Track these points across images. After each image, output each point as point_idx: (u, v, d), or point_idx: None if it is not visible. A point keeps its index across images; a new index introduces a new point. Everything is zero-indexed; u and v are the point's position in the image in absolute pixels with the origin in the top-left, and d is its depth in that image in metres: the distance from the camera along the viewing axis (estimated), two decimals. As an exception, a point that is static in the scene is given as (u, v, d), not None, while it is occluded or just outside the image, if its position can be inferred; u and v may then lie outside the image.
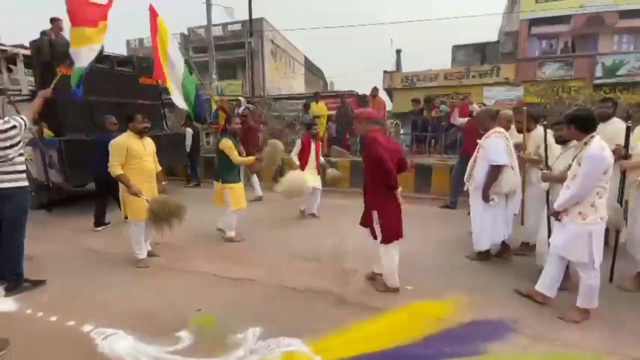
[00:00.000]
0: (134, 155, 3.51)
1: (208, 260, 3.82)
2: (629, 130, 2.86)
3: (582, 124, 2.46)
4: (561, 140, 3.00)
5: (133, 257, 3.72)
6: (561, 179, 2.69)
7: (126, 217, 3.71)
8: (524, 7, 14.91)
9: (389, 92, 17.25)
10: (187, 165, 7.88)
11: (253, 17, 15.45)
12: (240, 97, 9.39)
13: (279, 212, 5.67)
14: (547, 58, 15.04)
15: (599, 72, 13.85)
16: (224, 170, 4.25)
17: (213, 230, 4.62)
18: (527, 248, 3.75)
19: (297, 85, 24.55)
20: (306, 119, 7.66)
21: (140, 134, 3.64)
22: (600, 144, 2.41)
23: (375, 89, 7.81)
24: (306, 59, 26.51)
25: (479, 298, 2.94)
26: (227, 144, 4.15)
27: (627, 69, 13.09)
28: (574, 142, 2.68)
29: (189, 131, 7.65)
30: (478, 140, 3.62)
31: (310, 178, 5.11)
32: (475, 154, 3.61)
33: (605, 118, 3.26)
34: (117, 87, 6.18)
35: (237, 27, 19.97)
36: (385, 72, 17.00)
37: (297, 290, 3.13)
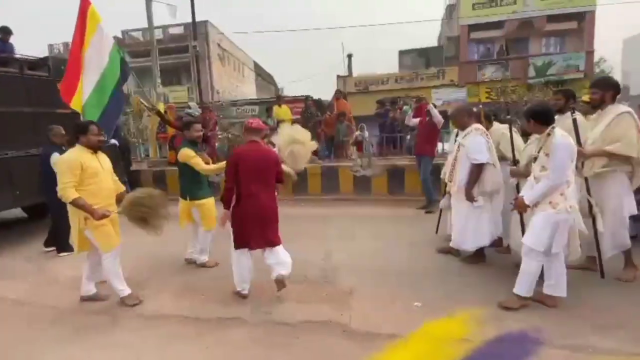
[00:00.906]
0: (91, 173, 2.84)
1: (177, 297, 3.12)
2: (575, 123, 2.90)
3: (541, 117, 2.58)
4: (525, 134, 3.07)
5: (118, 297, 3.01)
6: (527, 173, 2.77)
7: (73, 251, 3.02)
8: (462, 14, 15.88)
9: (305, 99, 17.27)
10: (125, 182, 6.72)
11: (197, 19, 14.48)
12: (190, 103, 8.55)
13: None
14: (485, 61, 16.18)
15: (531, 72, 15.18)
16: (190, 185, 3.62)
17: (179, 257, 3.89)
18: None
19: (248, 90, 23.72)
20: (269, 123, 7.13)
21: (95, 148, 2.96)
22: (562, 132, 2.54)
23: (339, 92, 7.56)
24: (256, 64, 25.79)
25: (490, 309, 2.67)
26: (187, 153, 3.50)
27: (556, 68, 14.50)
28: (535, 136, 2.78)
29: (113, 143, 6.45)
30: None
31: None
32: (455, 153, 3.47)
33: (559, 110, 3.23)
34: (28, 95, 5.10)
35: (179, 30, 18.70)
36: (338, 76, 17.04)
37: (291, 326, 2.60)
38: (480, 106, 3.80)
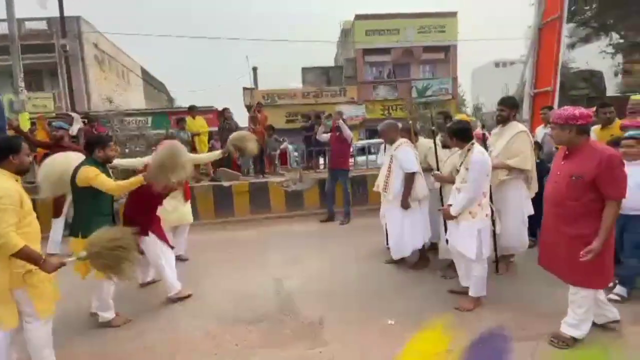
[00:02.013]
0: (27, 210, 2.10)
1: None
2: (435, 146, 3.35)
3: (462, 135, 2.84)
4: (446, 146, 3.44)
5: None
6: (451, 179, 3.09)
7: None
8: (357, 39, 17.48)
9: (249, 108, 16.83)
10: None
11: (67, 14, 12.00)
12: (72, 113, 6.89)
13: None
14: (379, 82, 18.13)
15: (414, 93, 17.64)
16: (89, 216, 2.69)
17: (84, 310, 2.99)
18: None
19: (135, 100, 20.78)
20: (183, 137, 6.26)
21: (24, 173, 2.25)
22: (480, 149, 2.82)
23: (259, 104, 7.20)
24: (144, 71, 22.92)
25: (453, 313, 2.82)
26: (87, 173, 2.62)
27: (433, 90, 17.19)
28: (456, 148, 3.12)
29: None
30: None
31: (171, 212, 3.92)
32: (388, 164, 3.68)
33: (500, 122, 3.72)
34: None
35: (41, 25, 15.24)
36: (245, 88, 16.51)
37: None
38: (410, 122, 4.10)
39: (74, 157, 3.02)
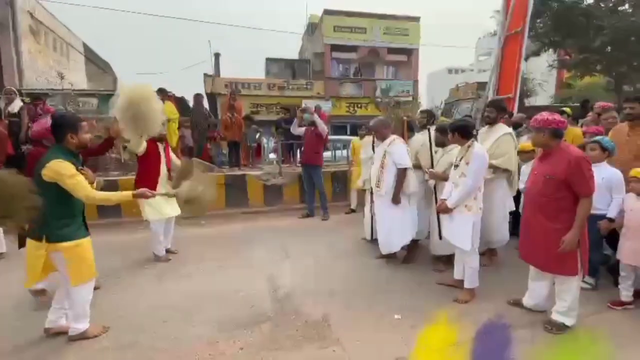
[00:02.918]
0: None
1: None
2: (430, 143, 3.54)
3: (463, 132, 2.97)
4: (441, 145, 3.53)
5: None
6: (445, 177, 3.23)
7: None
8: (325, 33, 17.38)
9: (211, 97, 15.95)
10: None
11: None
12: (11, 88, 5.94)
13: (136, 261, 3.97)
14: (345, 79, 18.22)
15: (378, 92, 18.05)
16: (55, 218, 2.30)
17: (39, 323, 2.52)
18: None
19: (76, 78, 18.56)
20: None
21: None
22: (480, 145, 3.01)
23: (234, 93, 6.81)
24: (87, 48, 20.58)
25: (452, 306, 2.92)
26: (60, 168, 2.23)
27: (396, 91, 17.71)
28: (452, 146, 3.29)
29: None
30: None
31: (166, 204, 3.79)
32: (380, 160, 3.71)
33: (488, 123, 3.90)
34: None
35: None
36: (206, 75, 15.56)
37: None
38: (405, 118, 4.15)
39: None
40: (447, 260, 3.53)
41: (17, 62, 13.84)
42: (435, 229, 3.42)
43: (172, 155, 4.13)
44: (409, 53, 18.50)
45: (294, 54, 23.87)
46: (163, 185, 3.81)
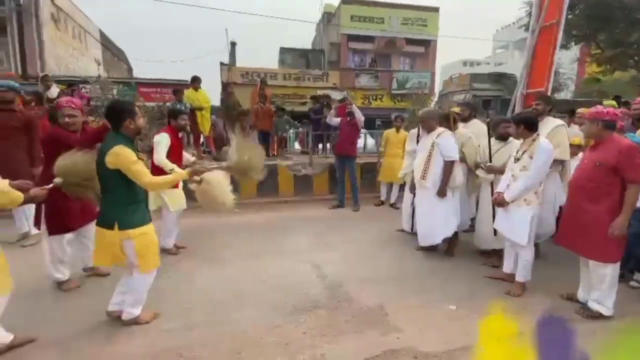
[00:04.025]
0: None
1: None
2: (489, 138, 3.49)
3: (529, 124, 2.94)
4: (502, 137, 3.49)
5: None
6: (502, 170, 3.19)
7: None
8: (343, 23, 17.19)
9: (226, 85, 15.96)
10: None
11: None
12: (48, 74, 6.04)
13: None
14: (361, 70, 18.05)
15: (394, 84, 17.88)
16: (123, 204, 2.32)
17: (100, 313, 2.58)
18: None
19: (94, 66, 18.67)
20: (180, 108, 5.72)
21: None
22: (547, 140, 2.96)
23: (263, 82, 6.82)
24: (103, 35, 20.64)
25: (505, 298, 2.94)
26: (124, 155, 2.23)
27: (412, 83, 17.53)
28: (511, 139, 3.30)
29: None
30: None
31: (180, 195, 3.69)
32: (429, 150, 3.70)
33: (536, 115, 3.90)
34: None
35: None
36: (222, 64, 15.54)
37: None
38: (451, 109, 4.12)
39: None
40: (494, 254, 3.57)
41: (40, 49, 13.96)
42: (485, 222, 3.44)
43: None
44: (427, 44, 18.28)
45: (307, 45, 23.68)
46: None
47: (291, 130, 7.58)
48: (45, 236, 2.92)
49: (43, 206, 2.86)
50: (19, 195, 1.99)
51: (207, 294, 2.99)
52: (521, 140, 3.05)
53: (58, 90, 5.78)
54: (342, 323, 2.61)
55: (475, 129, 4.19)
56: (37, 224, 2.95)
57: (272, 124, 6.48)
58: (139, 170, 2.24)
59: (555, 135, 3.44)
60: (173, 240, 3.80)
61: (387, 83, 17.89)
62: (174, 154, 3.52)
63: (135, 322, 2.47)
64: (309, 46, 23.51)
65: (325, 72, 17.22)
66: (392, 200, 5.90)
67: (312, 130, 6.98)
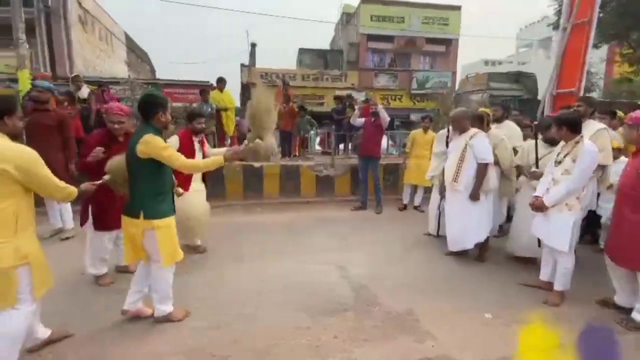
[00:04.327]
0: None
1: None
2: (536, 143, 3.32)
3: (573, 126, 2.80)
4: (551, 141, 3.29)
5: None
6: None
7: None
8: (363, 23, 17.08)
9: (246, 87, 16.14)
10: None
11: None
12: (79, 75, 6.23)
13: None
14: (380, 70, 17.89)
15: (414, 84, 17.63)
16: (151, 194, 2.34)
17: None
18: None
19: (119, 68, 19.28)
20: (206, 111, 5.80)
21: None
22: (590, 142, 2.81)
23: (286, 82, 6.84)
24: (128, 37, 21.25)
25: (543, 308, 2.81)
26: (155, 143, 2.24)
27: (432, 83, 17.24)
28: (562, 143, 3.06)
29: None
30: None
31: (196, 197, 3.59)
32: (461, 152, 3.57)
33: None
34: None
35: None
36: (242, 65, 15.72)
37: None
38: (482, 110, 3.98)
39: None
40: (527, 261, 3.43)
41: (68, 50, 14.49)
42: (521, 228, 3.29)
43: (207, 148, 3.75)
44: (448, 43, 17.94)
45: (325, 46, 23.67)
46: (197, 178, 3.66)
47: (312, 131, 7.56)
48: (90, 232, 2.99)
49: (90, 205, 2.95)
50: (74, 190, 2.04)
51: (233, 293, 2.99)
52: (562, 143, 2.91)
53: (88, 90, 5.95)
54: (372, 327, 2.55)
55: (508, 131, 4.06)
56: (84, 221, 3.01)
57: (295, 124, 6.49)
58: (171, 155, 2.29)
59: (597, 139, 3.28)
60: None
61: (407, 83, 17.67)
62: (186, 156, 3.50)
63: (167, 319, 2.48)
64: (327, 47, 23.51)
65: (344, 73, 17.16)
66: (417, 203, 5.78)
67: (335, 131, 6.91)
